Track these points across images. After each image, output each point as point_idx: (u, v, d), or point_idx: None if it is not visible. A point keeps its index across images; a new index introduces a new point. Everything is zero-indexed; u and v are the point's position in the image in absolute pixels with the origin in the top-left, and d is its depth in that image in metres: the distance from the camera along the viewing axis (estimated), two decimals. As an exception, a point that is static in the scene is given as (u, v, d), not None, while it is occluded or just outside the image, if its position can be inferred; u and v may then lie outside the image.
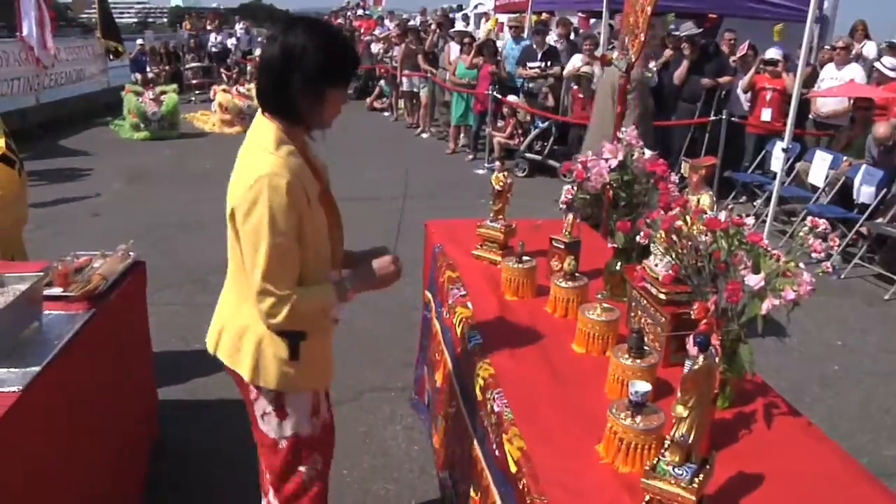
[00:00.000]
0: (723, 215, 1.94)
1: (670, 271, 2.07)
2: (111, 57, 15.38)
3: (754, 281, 1.74)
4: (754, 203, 8.07)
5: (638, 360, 2.00)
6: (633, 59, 3.28)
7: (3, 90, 11.65)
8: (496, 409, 2.02)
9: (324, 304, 2.04)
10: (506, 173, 3.05)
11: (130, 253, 3.16)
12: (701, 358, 1.38)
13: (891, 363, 4.67)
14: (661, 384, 2.05)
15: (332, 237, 2.10)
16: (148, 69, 15.58)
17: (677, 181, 2.49)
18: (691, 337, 1.40)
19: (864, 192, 6.54)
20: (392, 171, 9.47)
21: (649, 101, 4.76)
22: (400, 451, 3.45)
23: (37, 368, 2.20)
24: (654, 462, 1.51)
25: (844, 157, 7.08)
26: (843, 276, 6.20)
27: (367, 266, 2.17)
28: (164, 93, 12.10)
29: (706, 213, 1.96)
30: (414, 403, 3.70)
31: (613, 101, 4.77)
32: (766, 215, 6.80)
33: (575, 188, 2.65)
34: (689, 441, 1.44)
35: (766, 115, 8.26)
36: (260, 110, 2.00)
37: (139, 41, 14.96)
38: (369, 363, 4.25)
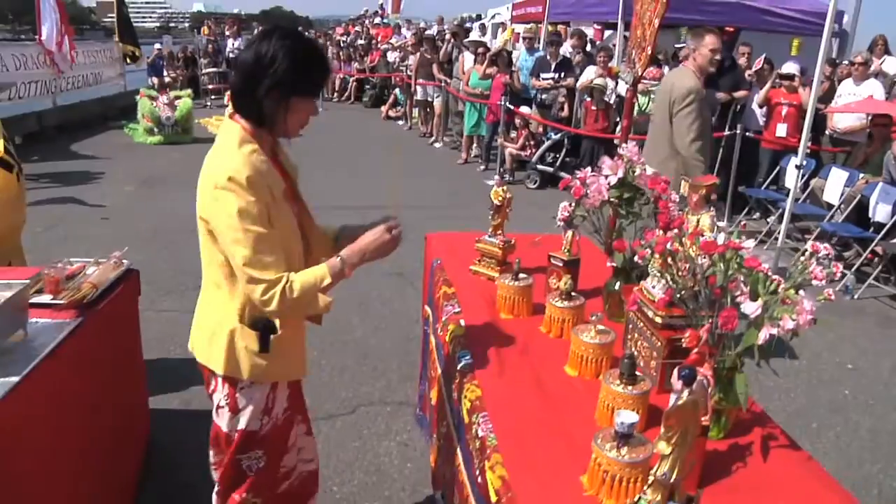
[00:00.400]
0: (721, 238, 1.86)
1: (665, 294, 2.00)
2: (128, 61, 15.47)
3: (751, 309, 1.67)
4: (768, 220, 7.94)
5: (630, 387, 1.92)
6: (640, 73, 3.21)
7: (21, 93, 11.71)
8: (480, 433, 1.95)
9: (318, 282, 2.01)
10: (505, 188, 2.98)
11: (124, 261, 3.12)
12: (686, 392, 1.31)
13: (903, 388, 4.55)
14: (656, 412, 1.97)
15: (305, 235, 2.15)
16: (165, 73, 15.64)
17: (678, 200, 2.42)
18: (675, 370, 1.32)
19: (881, 211, 6.41)
20: (405, 180, 9.45)
21: (706, 114, 4.42)
22: (393, 467, 3.37)
23: (15, 378, 2.15)
24: (636, 500, 1.43)
25: (861, 175, 6.96)
26: (856, 297, 6.07)
27: (362, 238, 2.16)
28: (178, 98, 12.14)
29: (703, 236, 1.88)
30: (419, 419, 3.62)
31: (671, 117, 4.35)
32: (779, 232, 6.68)
33: (573, 204, 2.58)
34: (672, 480, 1.36)
35: (781, 130, 8.15)
36: (228, 112, 2.06)
37: (156, 45, 15.02)
38: (367, 377, 4.19)
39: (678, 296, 1.90)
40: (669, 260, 1.90)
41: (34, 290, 2.75)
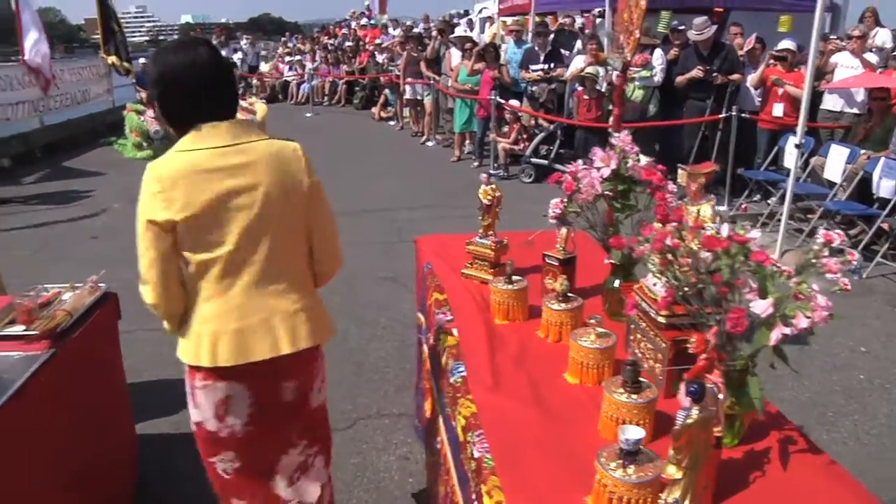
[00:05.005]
0: (724, 229, 1.72)
1: (667, 293, 1.86)
2: (121, 73, 15.25)
3: (761, 308, 1.52)
4: (768, 201, 7.78)
5: (634, 396, 1.78)
6: (629, 58, 3.05)
7: (7, 114, 11.54)
8: (476, 454, 1.80)
9: None
10: (494, 186, 2.85)
11: (101, 284, 2.98)
12: (695, 410, 1.16)
13: (920, 370, 4.40)
14: (662, 419, 1.83)
15: None
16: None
17: (676, 190, 2.27)
18: (682, 386, 1.18)
19: (885, 187, 6.25)
20: (398, 181, 9.32)
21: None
22: (393, 483, 3.24)
23: (-23, 421, 2.02)
24: (647, 529, 1.29)
25: (862, 151, 6.80)
26: (864, 276, 5.92)
27: None
28: (166, 111, 11.99)
29: (706, 229, 1.74)
30: (418, 431, 3.47)
31: None
32: (782, 214, 6.53)
33: (565, 200, 2.44)
34: (685, 507, 1.22)
35: (778, 110, 8.00)
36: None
37: (142, 60, 14.83)
38: (364, 388, 4.05)
39: (680, 294, 1.75)
40: (669, 256, 1.76)
41: (6, 321, 2.63)
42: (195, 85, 2.00)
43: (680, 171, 2.09)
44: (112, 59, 14.49)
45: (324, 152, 11.16)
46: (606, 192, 2.40)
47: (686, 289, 1.77)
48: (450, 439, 2.19)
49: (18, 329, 2.57)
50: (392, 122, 14.97)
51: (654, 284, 2.06)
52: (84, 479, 2.65)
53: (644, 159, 2.41)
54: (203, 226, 1.99)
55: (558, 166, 9.08)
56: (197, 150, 2.00)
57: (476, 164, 10.54)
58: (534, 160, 9.47)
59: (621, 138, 2.41)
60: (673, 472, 1.20)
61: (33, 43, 11.81)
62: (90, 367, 2.80)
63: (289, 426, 2.28)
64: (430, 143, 12.35)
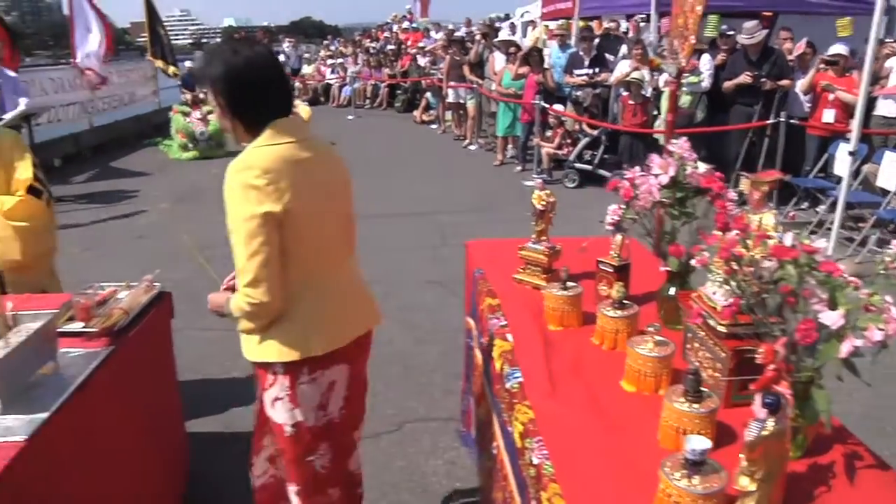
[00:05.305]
0: (788, 238, 1.70)
1: (730, 301, 1.84)
2: (171, 76, 15.57)
3: (831, 319, 1.50)
4: (817, 209, 7.63)
5: (696, 405, 1.76)
6: (684, 63, 3.04)
7: (59, 116, 11.87)
8: (535, 460, 1.81)
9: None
10: (548, 192, 2.84)
11: (156, 284, 3.04)
12: (771, 421, 1.15)
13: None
14: (722, 429, 1.81)
15: None
16: (197, 89, 15.74)
17: (736, 198, 2.25)
18: (758, 398, 1.17)
19: (941, 195, 6.10)
20: (441, 184, 9.33)
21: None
22: (441, 487, 3.24)
23: (44, 415, 2.07)
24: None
25: (918, 159, 6.64)
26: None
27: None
28: (211, 112, 12.14)
29: (771, 238, 1.72)
30: (463, 437, 3.48)
31: None
32: (831, 222, 6.40)
33: (623, 207, 2.43)
34: (758, 521, 1.21)
35: (828, 116, 7.82)
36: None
37: (188, 63, 15.12)
38: (411, 391, 4.06)
39: (746, 304, 1.73)
40: (734, 265, 1.74)
41: (66, 317, 2.68)
42: (261, 82, 2.07)
43: (743, 180, 2.06)
44: (159, 62, 14.78)
45: (366, 155, 11.27)
46: (664, 200, 2.38)
47: (749, 298, 1.75)
48: (506, 445, 2.19)
49: (77, 326, 2.63)
50: (434, 126, 15.01)
51: (714, 293, 2.03)
52: (139, 476, 2.71)
53: (702, 166, 2.39)
54: (307, 214, 2.08)
55: (602, 171, 9.04)
56: (280, 143, 2.06)
57: (519, 168, 10.52)
58: (577, 165, 9.43)
59: (679, 145, 2.39)
60: (746, 483, 1.19)
61: (87, 44, 12.10)
62: (145, 365, 2.85)
63: (362, 401, 2.44)
64: (472, 147, 12.36)
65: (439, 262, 6.23)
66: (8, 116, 7.60)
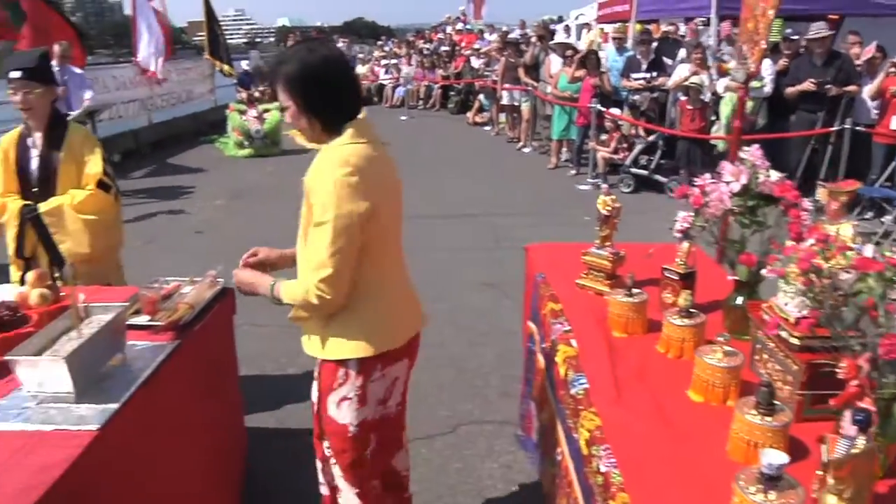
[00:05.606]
0: (868, 250, 1.66)
1: (805, 313, 1.80)
2: (227, 75, 15.89)
3: (918, 335, 1.45)
4: (882, 219, 7.42)
5: (768, 419, 1.73)
6: (754, 68, 2.99)
7: (120, 112, 12.23)
8: (603, 468, 1.79)
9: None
10: (613, 197, 2.82)
11: (219, 280, 3.09)
12: (861, 439, 1.12)
13: None
14: (793, 444, 1.77)
15: None
16: (252, 87, 16.02)
17: (811, 208, 2.20)
18: (847, 414, 1.14)
19: None
20: (494, 186, 9.32)
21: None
22: (497, 491, 3.23)
23: (115, 405, 2.12)
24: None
25: None
26: None
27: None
28: (266, 110, 12.34)
29: (852, 250, 1.68)
30: (522, 441, 3.46)
31: None
32: (899, 233, 6.23)
33: (693, 215, 2.39)
34: (845, 540, 1.18)
35: (897, 123, 7.61)
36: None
37: (244, 62, 15.39)
38: (465, 394, 4.06)
39: (824, 317, 1.69)
40: (813, 277, 1.70)
41: (132, 311, 2.75)
42: (336, 81, 2.10)
43: (820, 189, 2.02)
44: (216, 61, 15.07)
45: (419, 155, 11.32)
46: (734, 208, 2.35)
47: (826, 309, 1.71)
48: (571, 451, 2.18)
49: (143, 319, 2.69)
50: (487, 128, 14.99)
51: (786, 304, 1.99)
52: (201, 469, 2.76)
53: (775, 174, 2.35)
54: (386, 214, 2.13)
55: (658, 177, 8.92)
56: (360, 142, 2.09)
57: (573, 171, 10.44)
58: (633, 170, 9.31)
59: (751, 152, 2.35)
60: (833, 502, 1.17)
61: (146, 44, 12.41)
62: (209, 360, 2.90)
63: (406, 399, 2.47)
64: (526, 150, 12.32)
65: (492, 264, 6.21)
66: (75, 113, 7.86)
